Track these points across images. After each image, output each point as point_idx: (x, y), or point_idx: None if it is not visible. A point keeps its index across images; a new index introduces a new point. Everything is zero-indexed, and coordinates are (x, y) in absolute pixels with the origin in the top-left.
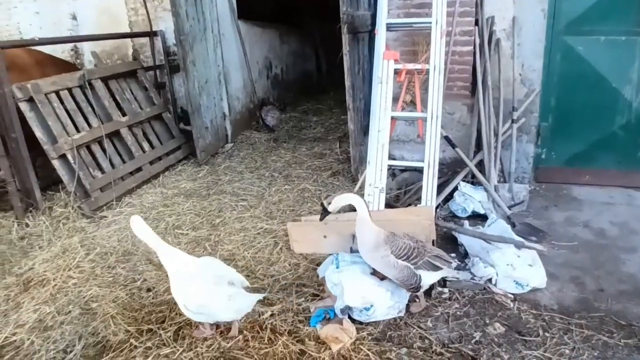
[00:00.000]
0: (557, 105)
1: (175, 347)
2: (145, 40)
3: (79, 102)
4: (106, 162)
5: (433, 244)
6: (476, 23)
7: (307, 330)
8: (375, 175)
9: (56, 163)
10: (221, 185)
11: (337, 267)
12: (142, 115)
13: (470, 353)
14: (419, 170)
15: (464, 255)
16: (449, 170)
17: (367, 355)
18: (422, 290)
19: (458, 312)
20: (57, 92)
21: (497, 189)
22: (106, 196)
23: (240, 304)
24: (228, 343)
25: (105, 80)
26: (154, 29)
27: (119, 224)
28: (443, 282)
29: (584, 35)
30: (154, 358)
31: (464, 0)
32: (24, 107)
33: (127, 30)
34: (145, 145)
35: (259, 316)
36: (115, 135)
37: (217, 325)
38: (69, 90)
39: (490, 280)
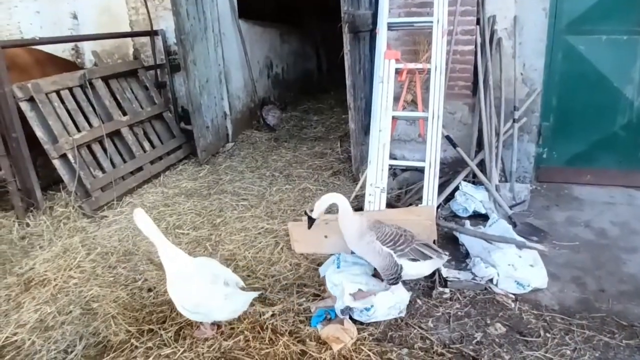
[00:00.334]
0: (558, 104)
1: (176, 347)
2: (145, 39)
3: (80, 101)
4: (107, 161)
5: (434, 244)
6: (477, 22)
7: (308, 330)
8: (376, 174)
9: (57, 163)
10: (222, 184)
11: (338, 267)
12: (142, 114)
13: (472, 353)
14: (420, 170)
15: (465, 255)
16: (450, 170)
17: (368, 355)
18: (402, 281)
19: (459, 313)
20: (57, 92)
21: (499, 189)
22: (107, 196)
23: (237, 303)
24: (229, 343)
25: (106, 79)
26: (154, 28)
27: (120, 223)
28: (444, 282)
29: (586, 34)
30: (155, 358)
31: None
32: (24, 106)
33: (127, 29)
34: (146, 145)
35: (260, 316)
36: (116, 134)
37: (218, 326)
38: (70, 89)
39: (491, 280)
